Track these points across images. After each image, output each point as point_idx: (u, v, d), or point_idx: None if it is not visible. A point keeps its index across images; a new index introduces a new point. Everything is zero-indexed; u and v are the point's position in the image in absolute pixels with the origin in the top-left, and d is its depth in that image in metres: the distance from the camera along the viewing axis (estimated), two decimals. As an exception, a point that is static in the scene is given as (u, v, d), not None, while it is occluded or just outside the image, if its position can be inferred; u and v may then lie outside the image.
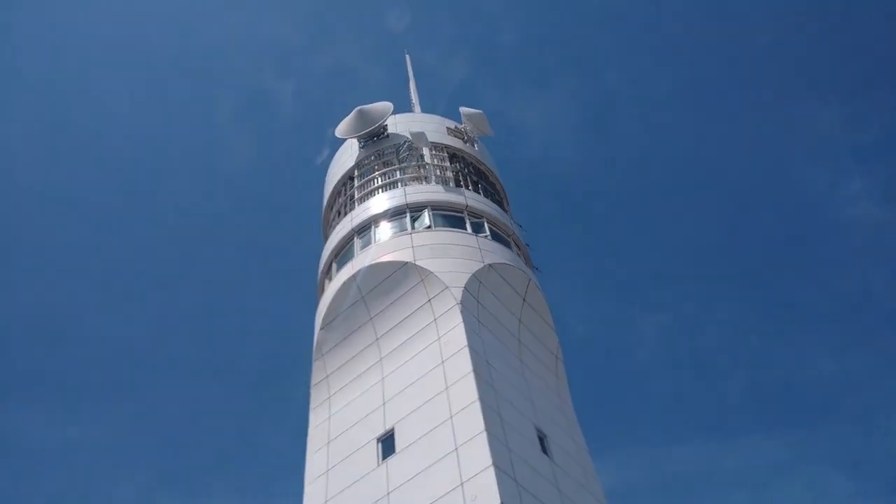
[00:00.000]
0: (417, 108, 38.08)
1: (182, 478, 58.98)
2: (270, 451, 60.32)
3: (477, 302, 21.45)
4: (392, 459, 17.67)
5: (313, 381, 23.04)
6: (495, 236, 24.99)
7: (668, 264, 70.80)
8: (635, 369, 67.51)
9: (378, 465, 17.87)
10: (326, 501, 18.25)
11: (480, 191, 28.16)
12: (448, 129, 31.77)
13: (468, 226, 24.64)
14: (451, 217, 25.03)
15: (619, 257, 71.90)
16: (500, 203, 29.07)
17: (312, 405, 22.43)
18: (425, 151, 29.13)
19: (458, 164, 29.35)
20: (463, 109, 32.47)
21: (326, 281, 25.87)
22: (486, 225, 25.13)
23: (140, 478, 56.59)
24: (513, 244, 25.86)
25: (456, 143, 30.81)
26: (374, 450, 18.49)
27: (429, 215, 24.66)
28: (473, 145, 31.40)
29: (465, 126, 31.92)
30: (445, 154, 29.67)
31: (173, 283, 62.67)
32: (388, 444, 18.39)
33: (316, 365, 23.25)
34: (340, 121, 32.20)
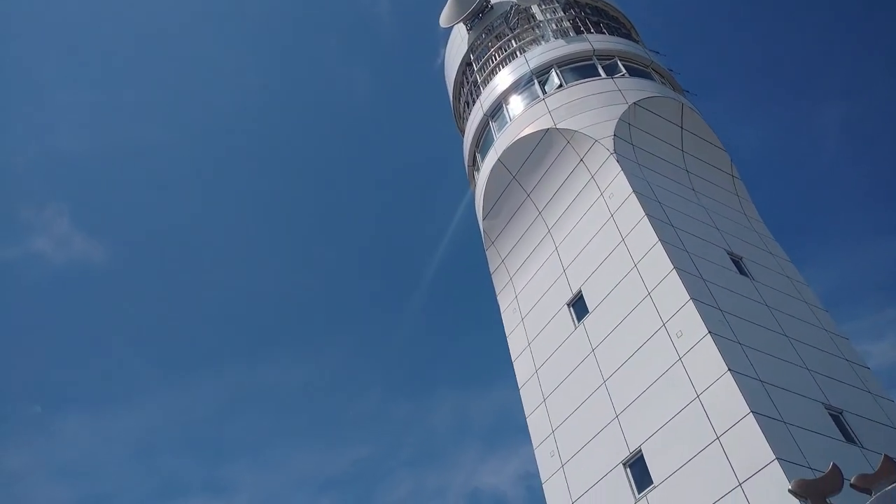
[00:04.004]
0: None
1: (408, 385, 64.91)
2: (477, 348, 64.01)
3: (631, 145, 20.37)
4: (587, 319, 17.87)
5: (491, 268, 23.66)
6: (633, 72, 23.26)
7: (834, 48, 61.59)
8: (823, 165, 61.12)
9: (575, 328, 18.18)
10: (536, 371, 19.05)
11: (604, 30, 26.13)
12: (550, -23, 29.49)
13: (601, 71, 23.11)
14: (580, 68, 23.61)
15: (780, 50, 63.62)
16: (628, 35, 26.85)
17: (497, 291, 23.13)
18: (535, 9, 27.42)
19: (572, 11, 27.31)
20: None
21: (475, 173, 25.96)
22: (619, 63, 23.41)
23: (377, 390, 63.17)
24: (654, 74, 23.94)
25: (563, -11, 28.59)
26: (567, 315, 18.79)
27: (557, 74, 23.46)
28: (582, -16, 28.96)
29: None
30: (557, 4, 27.70)
31: (337, 217, 66.63)
32: (579, 306, 18.57)
33: (489, 253, 23.78)
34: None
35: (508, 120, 23.80)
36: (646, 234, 17.00)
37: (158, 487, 58.37)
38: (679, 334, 14.72)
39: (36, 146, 60.28)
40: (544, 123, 21.81)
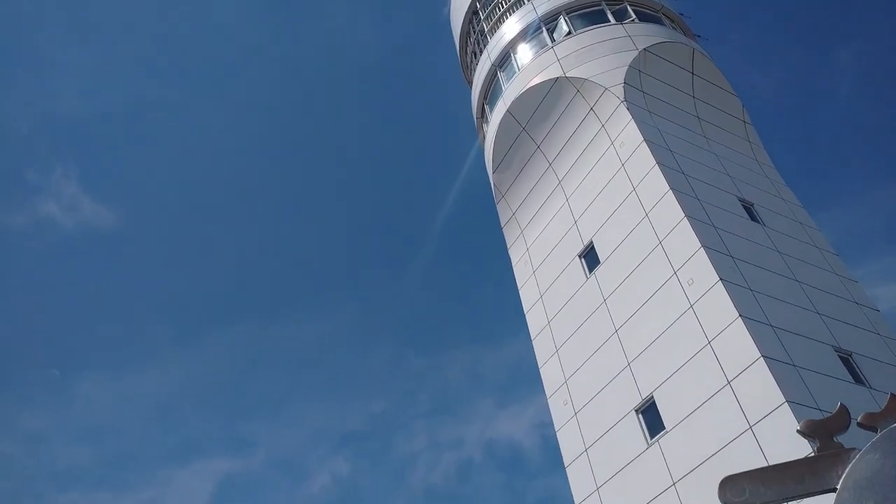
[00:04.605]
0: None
1: (421, 340, 65.92)
2: (490, 302, 64.62)
3: (642, 93, 20.13)
4: (599, 270, 18.02)
5: (502, 222, 23.74)
6: (643, 17, 22.79)
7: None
8: (837, 109, 60.08)
9: (587, 279, 18.35)
10: (548, 322, 19.33)
11: (612, -26, 25.48)
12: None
13: (610, 16, 22.66)
14: (589, 14, 23.15)
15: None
16: (637, -21, 26.19)
17: (509, 244, 23.27)
18: (541, -46, 26.70)
19: (579, -45, 26.58)
20: None
21: (483, 125, 25.78)
22: (629, 9, 22.93)
23: (390, 346, 64.29)
24: (664, 19, 23.45)
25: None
26: (578, 266, 18.94)
27: (565, 21, 23.02)
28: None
29: None
30: (563, -51, 26.93)
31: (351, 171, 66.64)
32: (590, 257, 18.71)
33: (500, 207, 23.83)
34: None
35: (517, 69, 23.50)
36: (657, 183, 16.99)
37: (178, 446, 60.18)
38: (690, 282, 14.86)
39: (39, 109, 60.18)
40: (553, 72, 21.54)
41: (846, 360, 14.14)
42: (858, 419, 2.13)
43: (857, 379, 13.78)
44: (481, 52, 26.70)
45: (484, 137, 25.57)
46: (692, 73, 21.66)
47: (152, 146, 62.69)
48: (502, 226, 23.72)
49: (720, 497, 2.05)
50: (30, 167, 60.07)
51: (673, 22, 23.75)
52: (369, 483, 59.96)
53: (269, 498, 58.16)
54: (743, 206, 17.80)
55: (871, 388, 13.56)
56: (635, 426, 14.94)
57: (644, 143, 17.88)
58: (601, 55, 21.00)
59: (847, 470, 1.80)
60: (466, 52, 29.61)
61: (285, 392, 63.16)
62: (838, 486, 1.77)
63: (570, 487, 16.17)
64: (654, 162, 17.25)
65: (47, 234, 60.43)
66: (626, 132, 18.81)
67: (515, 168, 23.05)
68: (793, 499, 1.91)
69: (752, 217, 17.58)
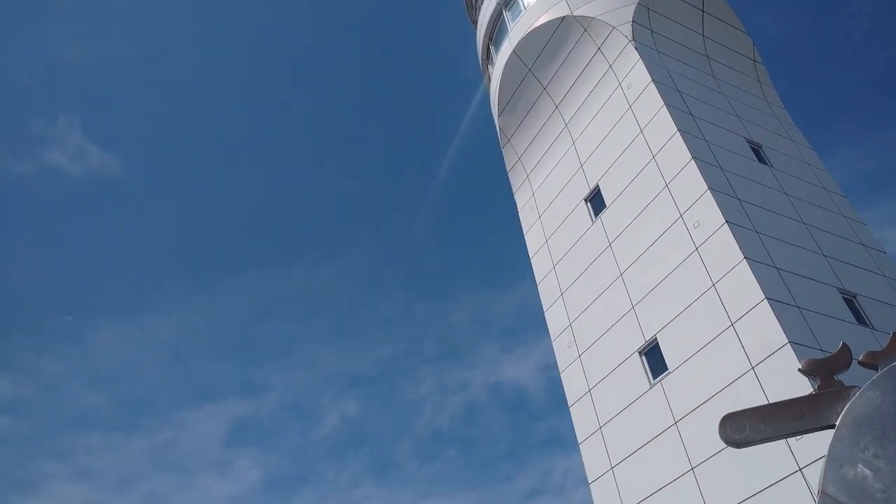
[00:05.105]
0: None
1: (427, 286, 66.43)
2: (495, 247, 64.76)
3: (650, 31, 19.62)
4: (605, 214, 17.96)
5: (507, 166, 23.55)
6: (652, -49, 21.98)
7: None
8: (850, 49, 58.48)
9: (593, 223, 18.32)
10: (554, 267, 19.40)
11: None
12: None
13: (618, -49, 21.85)
14: (596, -51, 22.33)
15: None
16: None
17: (514, 189, 23.15)
18: None
19: None
20: None
21: (489, 67, 25.27)
22: (638, -58, 22.09)
23: (398, 292, 64.88)
24: (675, -47, 22.62)
25: None
26: (584, 210, 18.88)
27: (572, -44, 22.23)
28: None
29: None
30: None
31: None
32: (596, 200, 18.62)
33: (505, 150, 23.60)
34: None
35: (522, 9, 22.88)
36: (664, 125, 16.75)
37: (192, 390, 61.55)
38: (696, 225, 14.82)
39: (42, 57, 59.21)
40: (560, 11, 20.97)
41: (850, 301, 14.21)
42: (859, 358, 2.15)
43: (861, 320, 13.87)
44: (486, -10, 25.94)
45: (489, 80, 25.12)
46: (702, 11, 21.05)
47: (157, 94, 61.93)
48: (508, 170, 23.55)
49: (720, 434, 2.09)
50: (34, 117, 59.55)
51: (684, -44, 22.91)
52: (377, 425, 61.54)
53: (281, 439, 59.89)
54: (751, 147, 17.58)
55: (873, 329, 13.67)
56: (638, 368, 15.16)
57: (652, 84, 17.55)
58: (609, -8, 20.37)
59: (846, 407, 1.83)
60: (470, -9, 28.79)
61: (295, 338, 64.19)
62: (837, 423, 1.81)
63: (573, 427, 16.56)
64: (662, 103, 16.96)
65: (55, 184, 60.39)
66: (634, 73, 18.43)
67: (521, 111, 22.72)
68: (792, 435, 1.95)
69: (760, 159, 17.38)
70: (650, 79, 17.66)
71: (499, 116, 23.51)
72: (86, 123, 61.00)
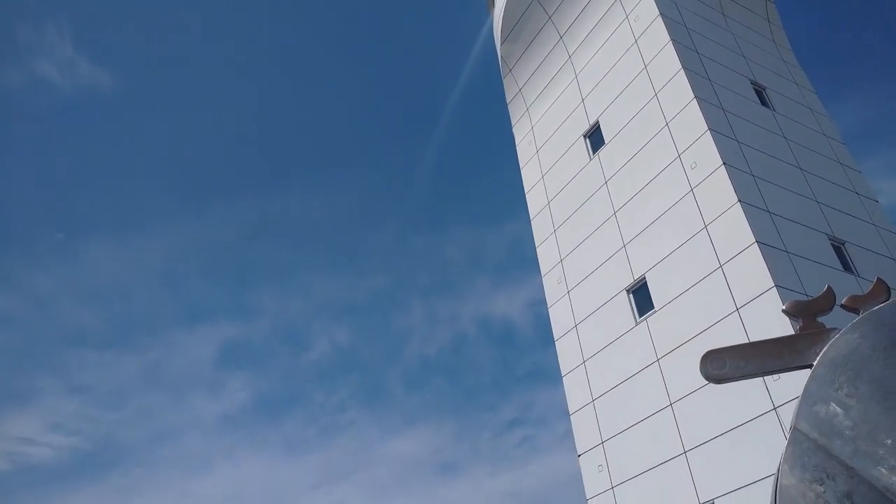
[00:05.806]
0: None
1: (422, 218, 66.33)
2: (493, 181, 64.34)
3: (661, -38, 18.91)
4: (603, 151, 17.81)
5: (508, 98, 23.14)
6: None
7: None
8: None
9: (590, 160, 18.18)
10: (548, 203, 19.38)
11: None
12: None
13: None
14: None
15: None
16: None
17: (513, 122, 22.82)
18: None
19: None
20: None
21: (493, -8, 24.45)
22: None
23: (393, 223, 64.87)
24: None
25: None
26: (582, 146, 18.70)
27: None
28: None
29: None
30: None
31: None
32: (595, 137, 18.43)
33: (506, 81, 23.13)
34: None
35: (530, -68, 21.92)
36: (669, 61, 16.40)
37: (183, 310, 62.09)
38: (693, 165, 14.75)
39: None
40: (569, -64, 20.12)
41: (839, 248, 14.35)
42: (842, 301, 2.19)
43: (847, 267, 14.05)
44: None
45: (493, 3, 24.34)
46: (718, -58, 20.26)
47: (148, 6, 59.71)
48: (508, 102, 23.15)
49: (701, 369, 2.14)
50: (22, 24, 57.50)
51: None
52: (367, 353, 62.72)
53: (272, 362, 61.05)
54: (754, 89, 17.30)
55: (858, 276, 13.86)
56: (625, 305, 15.40)
57: (660, 18, 17.08)
58: (622, -82, 19.51)
59: (825, 348, 1.86)
60: None
61: (289, 263, 64.41)
62: (814, 363, 1.85)
63: (558, 362, 16.95)
64: (669, 38, 16.56)
65: (45, 96, 58.88)
66: (643, 5, 17.89)
67: (525, 40, 22.14)
68: (771, 373, 2.00)
69: (763, 101, 17.14)
70: (658, 12, 17.16)
71: (502, 44, 22.92)
72: (76, 34, 59.05)
